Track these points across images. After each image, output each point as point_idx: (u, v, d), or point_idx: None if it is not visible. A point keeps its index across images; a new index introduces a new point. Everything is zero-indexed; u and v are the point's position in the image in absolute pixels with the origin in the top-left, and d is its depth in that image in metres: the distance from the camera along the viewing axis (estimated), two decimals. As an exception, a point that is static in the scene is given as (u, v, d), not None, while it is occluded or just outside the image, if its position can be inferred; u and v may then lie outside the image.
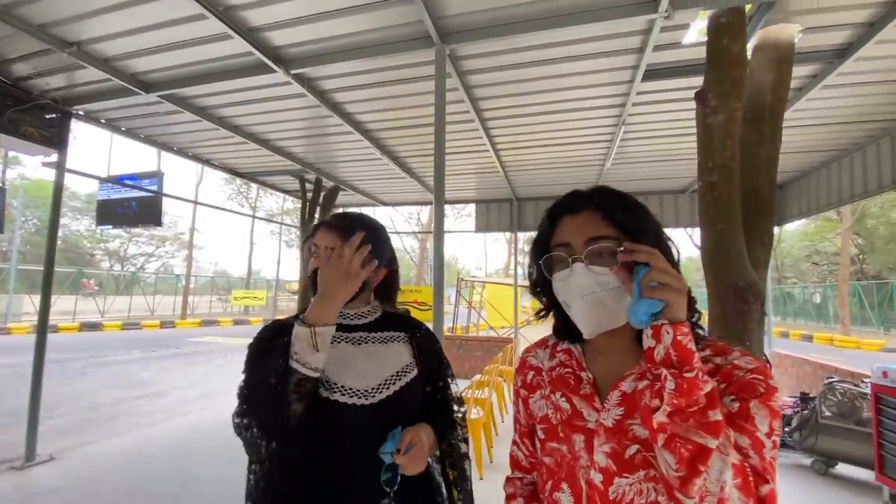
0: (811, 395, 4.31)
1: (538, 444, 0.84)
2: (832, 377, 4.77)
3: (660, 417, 0.59)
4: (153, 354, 10.90)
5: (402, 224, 29.14)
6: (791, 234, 29.35)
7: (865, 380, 4.15)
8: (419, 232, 26.86)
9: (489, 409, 4.42)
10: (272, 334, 1.02)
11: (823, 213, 8.24)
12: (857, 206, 19.36)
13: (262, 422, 0.90)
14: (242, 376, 0.97)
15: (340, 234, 1.06)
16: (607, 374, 0.78)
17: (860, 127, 4.64)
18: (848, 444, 3.80)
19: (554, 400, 0.81)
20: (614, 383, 0.75)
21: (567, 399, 0.79)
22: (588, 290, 0.71)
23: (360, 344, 1.08)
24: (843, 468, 3.96)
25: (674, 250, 0.76)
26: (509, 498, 0.95)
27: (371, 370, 1.04)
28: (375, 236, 1.09)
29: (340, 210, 12.12)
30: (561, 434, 0.78)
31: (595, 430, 0.73)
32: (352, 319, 1.11)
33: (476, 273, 39.07)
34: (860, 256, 24.38)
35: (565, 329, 0.85)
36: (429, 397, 1.13)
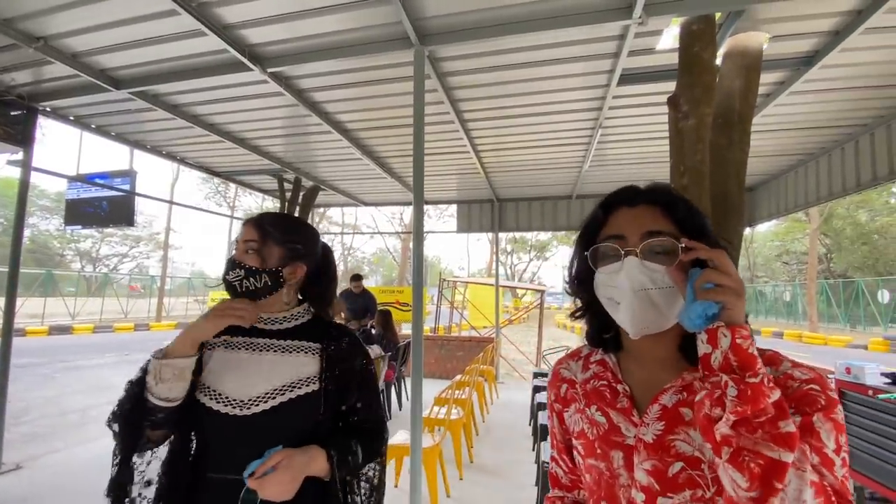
0: (780, 391, 4.43)
1: (579, 461, 0.79)
2: (800, 373, 4.93)
3: (723, 429, 0.54)
4: (126, 358, 10.59)
5: (384, 224, 29.03)
6: (762, 234, 30.30)
7: (830, 376, 4.31)
8: (401, 232, 26.78)
9: (469, 410, 4.43)
10: None
11: (792, 215, 8.53)
12: (825, 208, 20.09)
13: (118, 439, 0.92)
14: (138, 373, 0.96)
15: (258, 228, 1.03)
16: (645, 386, 0.72)
17: (826, 132, 4.82)
18: (814, 437, 3.92)
19: (589, 414, 0.76)
20: (654, 396, 0.70)
21: (603, 413, 0.74)
22: (640, 285, 0.66)
23: (258, 351, 1.02)
24: (809, 461, 4.09)
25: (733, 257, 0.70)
26: None
27: (256, 380, 0.97)
28: (291, 233, 1.07)
29: (321, 210, 11.92)
30: (598, 450, 0.73)
31: (634, 447, 0.68)
32: (265, 324, 1.05)
33: (458, 273, 39.22)
34: (828, 256, 25.29)
35: (599, 336, 0.80)
36: (340, 417, 1.04)
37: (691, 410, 0.65)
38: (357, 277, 6.03)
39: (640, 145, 5.36)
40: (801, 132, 4.84)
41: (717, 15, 2.61)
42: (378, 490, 1.07)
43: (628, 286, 0.66)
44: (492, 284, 10.21)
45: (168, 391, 0.90)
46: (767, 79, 3.61)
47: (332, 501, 0.96)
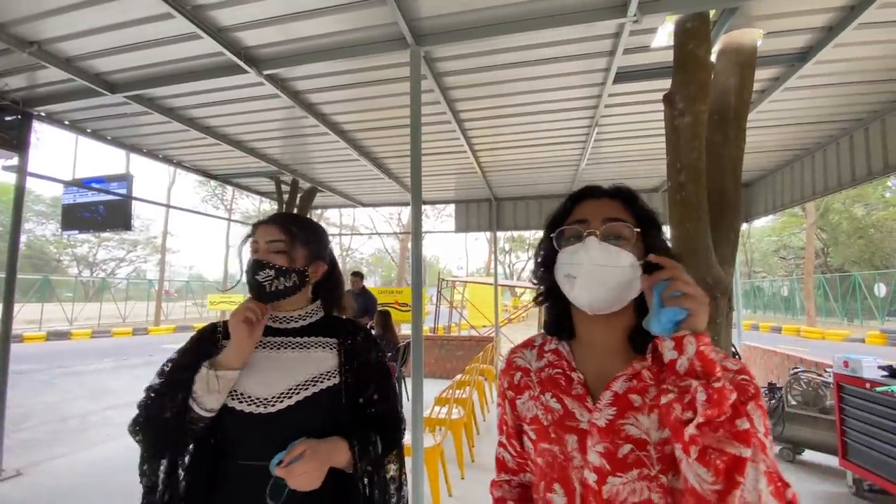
0: (778, 385, 4.47)
1: (530, 446, 0.83)
2: (798, 367, 4.96)
3: (691, 430, 0.58)
4: (125, 363, 10.55)
5: (382, 225, 29.00)
6: (759, 229, 30.34)
7: (828, 369, 4.33)
8: (399, 233, 26.76)
9: (470, 409, 4.44)
10: (197, 348, 1.03)
11: (789, 210, 8.56)
12: (821, 203, 20.15)
13: (150, 447, 0.94)
14: (155, 379, 0.97)
15: (284, 229, 1.04)
16: (597, 373, 0.78)
17: (821, 127, 4.84)
18: (813, 431, 3.95)
19: (544, 401, 0.80)
20: (606, 384, 0.75)
21: (558, 399, 0.78)
22: (596, 261, 0.72)
23: (277, 349, 1.03)
24: (809, 455, 4.12)
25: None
26: (498, 501, 0.92)
27: (277, 377, 0.99)
28: (311, 233, 1.10)
29: (319, 211, 11.91)
30: (553, 435, 0.77)
31: (588, 431, 0.73)
32: (282, 322, 1.07)
33: (457, 273, 39.16)
34: (824, 250, 25.34)
35: (556, 324, 0.85)
36: (359, 410, 1.06)
37: (640, 397, 0.71)
38: (357, 274, 6.01)
39: (637, 143, 5.37)
40: (796, 128, 4.86)
41: (712, 12, 2.62)
42: (399, 490, 1.08)
43: (586, 261, 0.72)
44: (490, 283, 10.22)
45: (216, 402, 0.93)
46: (762, 75, 3.63)
47: (354, 492, 0.99)
